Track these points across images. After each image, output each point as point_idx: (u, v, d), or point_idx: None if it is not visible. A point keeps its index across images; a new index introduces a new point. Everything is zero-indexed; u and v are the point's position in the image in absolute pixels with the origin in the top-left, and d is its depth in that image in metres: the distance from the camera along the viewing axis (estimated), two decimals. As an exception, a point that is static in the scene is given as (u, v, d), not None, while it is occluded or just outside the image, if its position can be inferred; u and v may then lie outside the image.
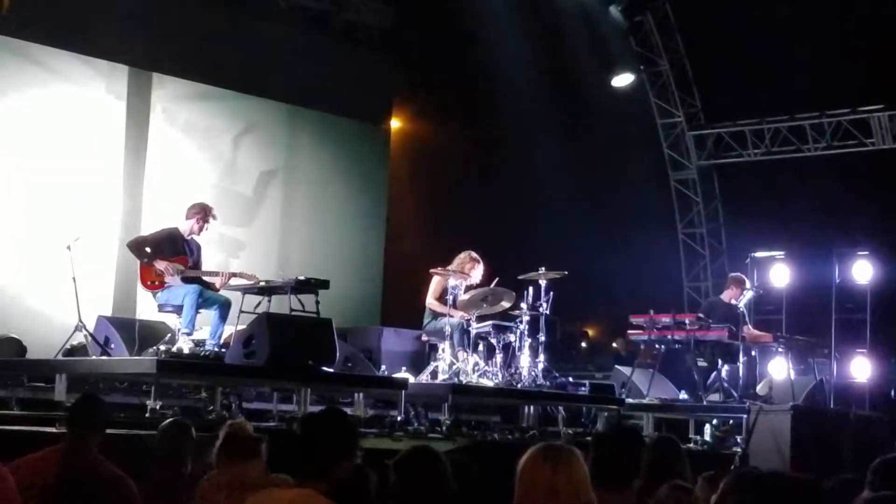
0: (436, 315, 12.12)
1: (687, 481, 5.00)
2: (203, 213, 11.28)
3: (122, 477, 6.02)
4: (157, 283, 10.86)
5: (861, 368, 14.59)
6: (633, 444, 5.15)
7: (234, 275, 11.11)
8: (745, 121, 19.52)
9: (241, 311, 10.79)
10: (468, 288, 12.16)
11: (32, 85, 13.53)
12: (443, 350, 11.79)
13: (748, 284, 13.84)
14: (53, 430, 7.78)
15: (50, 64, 13.65)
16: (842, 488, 5.65)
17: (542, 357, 12.18)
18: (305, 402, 10.20)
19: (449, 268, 12.05)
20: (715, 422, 13.32)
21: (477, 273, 12.26)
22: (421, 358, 12.53)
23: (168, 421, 6.76)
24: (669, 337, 13.20)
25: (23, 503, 5.74)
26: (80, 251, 10.95)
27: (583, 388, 13.00)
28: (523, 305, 12.07)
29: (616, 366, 14.48)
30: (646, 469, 4.99)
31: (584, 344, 20.39)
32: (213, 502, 5.55)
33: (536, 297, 12.12)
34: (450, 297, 11.78)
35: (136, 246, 11.02)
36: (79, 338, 10.70)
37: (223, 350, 10.32)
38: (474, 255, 12.34)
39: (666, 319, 13.28)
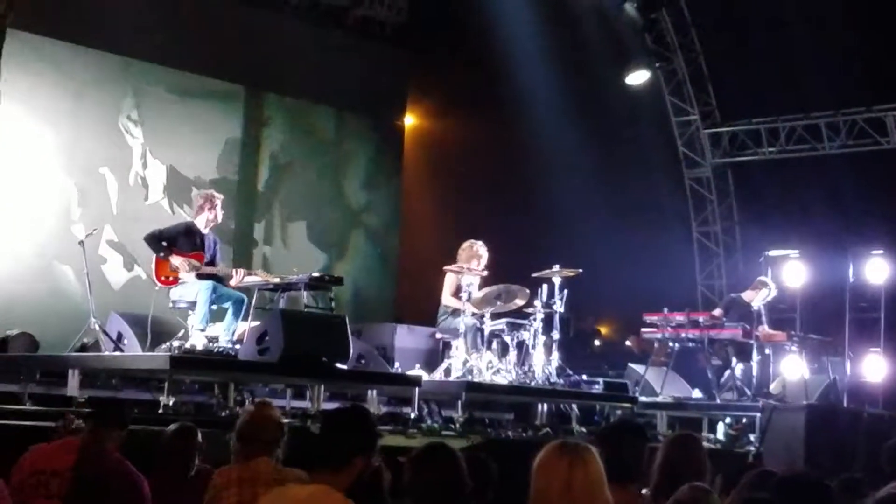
0: (450, 312, 12.10)
1: (705, 479, 4.93)
2: (209, 200, 11.11)
3: (137, 476, 6.03)
4: (171, 278, 10.81)
5: (875, 367, 14.56)
6: (636, 439, 5.09)
7: (249, 272, 11.08)
8: (761, 119, 19.42)
9: (255, 308, 10.78)
10: (482, 284, 12.14)
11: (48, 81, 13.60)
12: (456, 347, 11.78)
13: (771, 288, 13.79)
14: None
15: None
16: (855, 486, 5.62)
17: (555, 355, 12.16)
18: (319, 398, 10.20)
19: (459, 264, 12.02)
20: (728, 420, 13.28)
21: (483, 259, 12.20)
22: (435, 355, 12.51)
23: (174, 426, 6.68)
24: (683, 335, 13.22)
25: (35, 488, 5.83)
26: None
27: (596, 386, 12.98)
28: (537, 303, 12.03)
29: (630, 364, 14.44)
30: (662, 467, 4.94)
31: (597, 342, 20.32)
32: (225, 498, 5.50)
33: (550, 294, 12.09)
34: (464, 294, 11.75)
35: (153, 240, 10.94)
36: (92, 333, 10.67)
37: (237, 346, 10.30)
38: (472, 242, 12.27)
39: (680, 318, 13.29)
